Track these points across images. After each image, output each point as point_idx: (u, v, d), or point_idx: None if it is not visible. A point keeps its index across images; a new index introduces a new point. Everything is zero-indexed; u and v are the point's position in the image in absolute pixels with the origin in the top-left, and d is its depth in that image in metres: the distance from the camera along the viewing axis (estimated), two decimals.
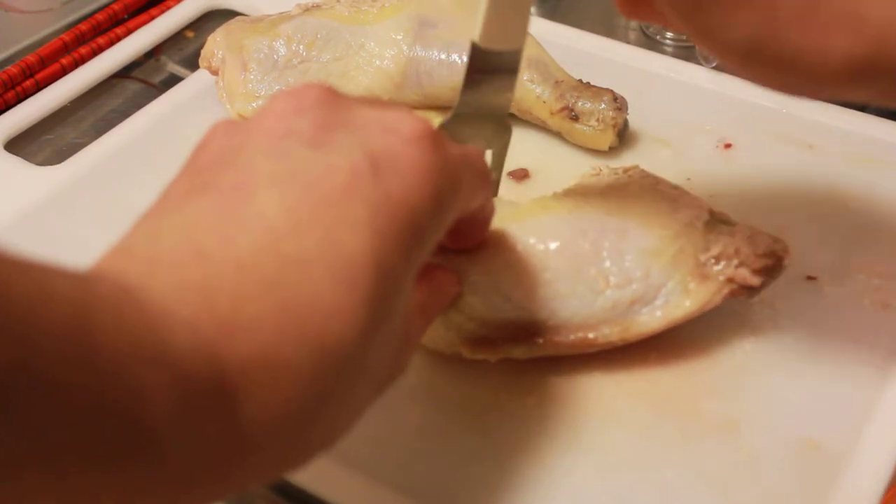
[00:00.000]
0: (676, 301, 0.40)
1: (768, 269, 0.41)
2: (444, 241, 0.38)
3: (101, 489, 0.23)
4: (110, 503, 0.24)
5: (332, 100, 0.31)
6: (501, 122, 0.44)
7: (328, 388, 0.27)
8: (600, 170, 0.45)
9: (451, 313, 0.40)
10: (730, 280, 0.40)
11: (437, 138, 0.32)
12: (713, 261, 0.41)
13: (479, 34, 0.40)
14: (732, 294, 0.41)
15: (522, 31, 0.41)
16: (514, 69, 0.42)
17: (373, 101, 0.33)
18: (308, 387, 0.27)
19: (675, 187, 0.44)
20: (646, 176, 0.45)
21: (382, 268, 0.28)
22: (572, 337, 0.40)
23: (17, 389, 0.21)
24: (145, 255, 0.27)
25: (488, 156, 0.44)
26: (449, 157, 0.32)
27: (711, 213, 0.43)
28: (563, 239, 0.41)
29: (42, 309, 0.22)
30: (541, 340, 0.40)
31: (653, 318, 0.40)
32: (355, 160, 0.29)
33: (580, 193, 0.43)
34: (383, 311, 0.29)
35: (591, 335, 0.40)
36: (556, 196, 0.43)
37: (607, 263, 0.40)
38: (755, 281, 0.41)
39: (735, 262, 0.40)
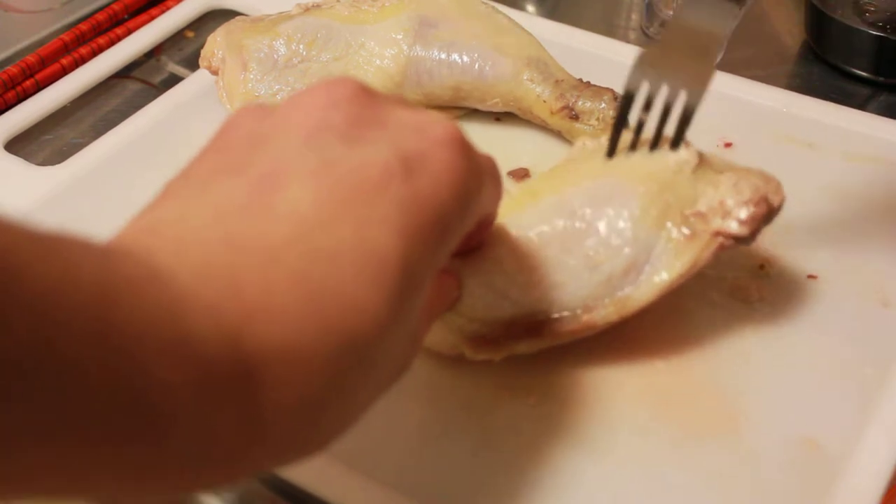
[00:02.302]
0: (667, 262, 0.39)
1: (756, 217, 0.39)
2: None
3: (108, 467, 0.23)
4: (118, 482, 0.24)
5: (365, 96, 0.32)
6: (706, 62, 0.39)
7: (344, 380, 0.27)
8: (584, 143, 0.45)
9: (450, 316, 0.40)
10: (717, 233, 0.39)
11: (466, 142, 0.32)
12: (699, 215, 0.39)
13: None
14: (723, 248, 0.39)
15: None
16: (733, 13, 0.38)
17: (402, 101, 0.33)
18: (325, 378, 0.27)
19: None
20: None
21: (408, 267, 0.28)
22: (573, 323, 0.40)
23: (38, 367, 0.21)
24: (172, 235, 0.27)
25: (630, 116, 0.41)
26: (476, 162, 0.32)
27: (702, 158, 0.41)
28: (551, 224, 0.40)
29: (67, 287, 0.22)
30: (543, 332, 0.40)
31: (648, 287, 0.40)
32: (387, 158, 0.29)
33: (564, 170, 0.43)
34: (404, 310, 0.29)
35: (590, 317, 0.40)
36: (540, 179, 0.43)
37: (597, 237, 0.40)
38: (743, 231, 0.39)
39: (720, 213, 0.39)
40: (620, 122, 0.41)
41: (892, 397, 0.40)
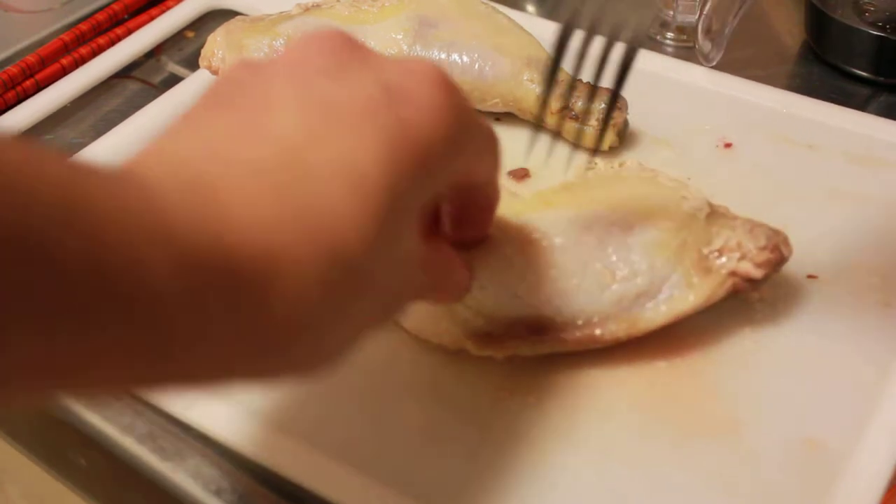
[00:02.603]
0: (681, 295, 0.41)
1: (770, 262, 0.41)
2: (452, 233, 0.39)
3: (96, 357, 0.23)
4: (107, 376, 0.24)
5: (352, 43, 0.33)
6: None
7: (335, 294, 0.28)
8: (595, 163, 0.45)
9: (457, 308, 0.40)
10: (733, 273, 0.41)
11: (452, 84, 0.33)
12: (716, 254, 0.41)
13: None
14: (735, 287, 0.41)
15: None
16: None
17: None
18: (316, 288, 0.27)
19: (673, 180, 0.44)
20: (643, 169, 0.45)
21: (393, 190, 0.29)
22: (578, 333, 0.40)
23: (10, 248, 0.21)
24: (160, 160, 0.28)
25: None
26: (463, 105, 0.33)
27: (711, 206, 0.43)
28: (568, 235, 0.41)
29: (39, 174, 0.22)
30: (547, 337, 0.40)
31: (658, 313, 0.41)
32: (373, 91, 0.30)
33: (581, 188, 0.44)
34: (391, 231, 0.29)
35: (597, 332, 0.40)
36: (555, 191, 0.44)
37: (613, 258, 0.40)
38: (758, 274, 0.41)
39: (737, 255, 0.41)
40: (553, 69, 0.40)
41: (892, 397, 0.40)
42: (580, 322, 0.40)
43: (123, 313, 0.23)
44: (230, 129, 0.29)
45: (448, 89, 0.32)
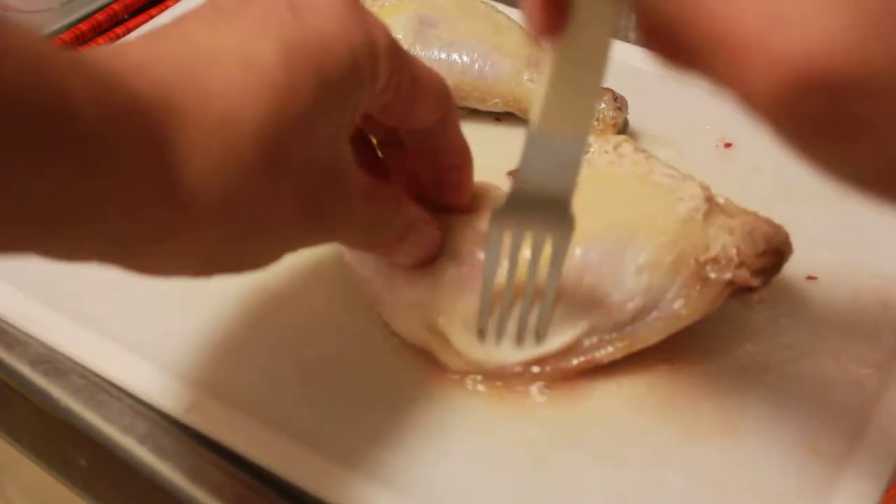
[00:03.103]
0: (677, 310, 0.40)
1: (768, 268, 0.41)
2: (432, 196, 0.41)
3: (37, 193, 0.25)
4: (48, 212, 0.26)
5: None
6: (563, 213, 0.37)
7: (240, 161, 0.29)
8: (589, 146, 0.45)
9: (467, 357, 0.40)
10: (730, 283, 0.40)
11: (363, 8, 0.34)
12: (713, 264, 0.40)
13: (537, 119, 0.35)
14: (733, 295, 0.41)
15: (586, 118, 0.35)
16: (574, 160, 0.36)
17: None
18: (219, 151, 0.29)
19: (670, 173, 0.43)
20: (637, 161, 0.44)
21: (291, 83, 0.30)
22: (576, 361, 0.41)
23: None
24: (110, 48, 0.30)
25: (544, 252, 0.39)
26: (368, 21, 0.34)
27: (709, 201, 0.42)
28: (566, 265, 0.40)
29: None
30: (547, 368, 0.41)
31: (654, 330, 0.40)
32: (275, 1, 0.32)
33: (577, 193, 0.43)
34: (292, 122, 0.30)
35: (596, 355, 0.40)
36: None
37: (609, 281, 0.40)
38: (755, 282, 0.40)
39: (735, 262, 0.40)
40: (488, 293, 0.39)
41: (892, 398, 0.40)
42: (578, 350, 0.40)
43: (55, 145, 0.25)
44: (171, 28, 0.31)
45: (351, 3, 0.33)
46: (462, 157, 0.40)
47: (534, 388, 0.41)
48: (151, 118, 0.28)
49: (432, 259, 0.41)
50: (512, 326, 0.40)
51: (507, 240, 0.38)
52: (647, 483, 0.38)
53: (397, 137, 0.40)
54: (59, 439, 0.43)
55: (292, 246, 0.34)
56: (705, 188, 0.43)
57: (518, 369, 0.40)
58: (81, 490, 0.45)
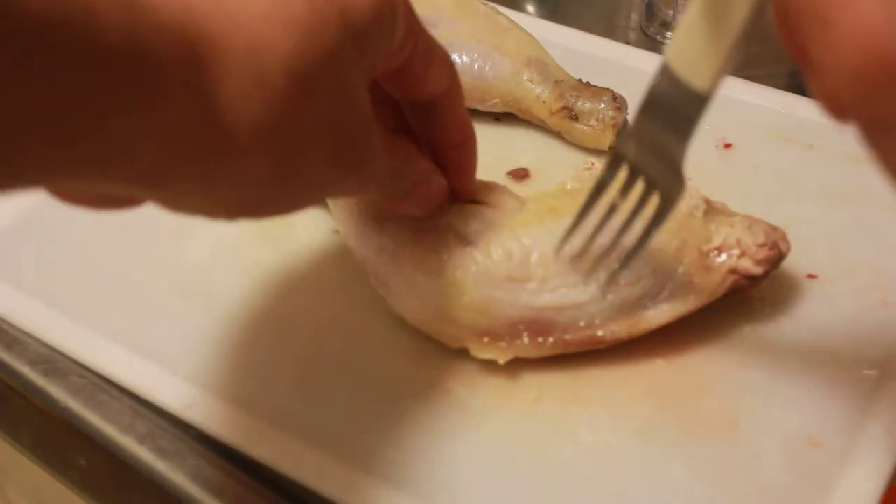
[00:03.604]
0: (682, 294, 0.41)
1: (770, 259, 0.41)
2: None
3: (71, 96, 0.24)
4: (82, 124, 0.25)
5: None
6: (675, 171, 0.36)
7: (275, 94, 0.29)
8: (592, 164, 0.45)
9: (459, 309, 0.40)
10: (733, 271, 0.41)
11: None
12: (715, 252, 0.41)
13: (670, 48, 0.34)
14: (735, 284, 0.41)
15: (713, 72, 0.34)
16: (691, 116, 0.34)
17: None
18: (252, 80, 0.29)
19: None
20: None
21: (315, 21, 0.30)
22: (581, 335, 0.41)
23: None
24: None
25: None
26: None
27: (708, 203, 0.43)
28: (572, 242, 0.40)
29: None
30: (550, 339, 0.41)
31: (660, 312, 0.41)
32: None
33: (583, 193, 0.43)
34: (317, 60, 0.30)
35: (599, 332, 0.41)
36: (557, 196, 0.44)
37: (615, 264, 0.40)
38: (758, 270, 0.41)
39: (737, 252, 0.41)
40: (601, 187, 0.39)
41: (892, 397, 0.40)
42: (582, 323, 0.41)
43: (78, 61, 0.24)
44: None
45: None
46: (466, 133, 0.41)
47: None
48: (184, 41, 0.27)
49: (438, 222, 0.41)
50: (587, 262, 0.40)
51: (621, 174, 0.38)
52: (647, 480, 0.38)
53: (402, 123, 0.41)
54: (59, 439, 0.43)
55: (323, 188, 0.35)
56: (702, 194, 0.43)
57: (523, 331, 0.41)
58: (81, 490, 0.45)
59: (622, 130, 0.37)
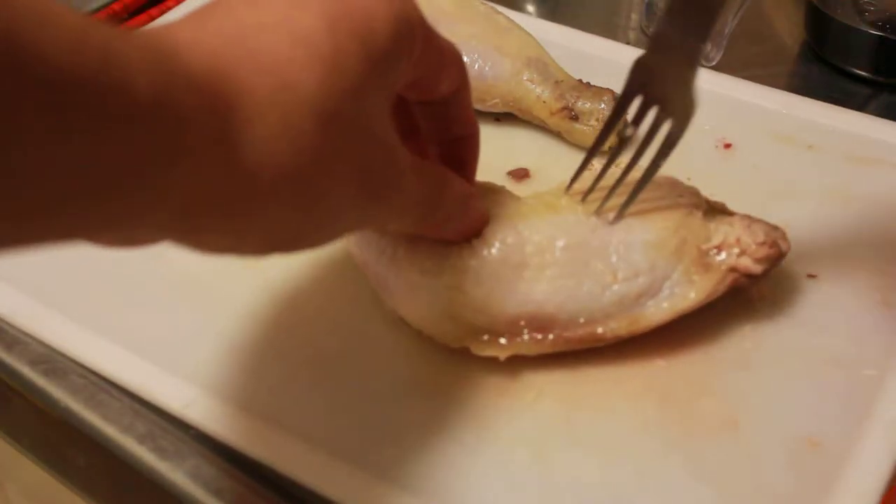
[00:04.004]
0: (682, 292, 0.41)
1: (769, 257, 0.41)
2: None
3: (100, 156, 0.24)
4: (113, 172, 0.25)
5: None
6: (686, 94, 0.38)
7: (299, 134, 0.29)
8: (592, 164, 0.45)
9: (459, 308, 0.40)
10: (732, 269, 0.41)
11: None
12: (715, 250, 0.41)
13: None
14: (735, 283, 0.41)
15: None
16: (713, 8, 0.37)
17: None
18: (277, 123, 0.29)
19: (668, 178, 0.45)
20: (638, 170, 0.45)
21: (338, 56, 0.30)
22: (581, 332, 0.41)
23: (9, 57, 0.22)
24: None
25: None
26: (410, 7, 0.34)
27: (708, 203, 0.43)
28: (571, 236, 0.41)
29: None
30: (550, 336, 0.41)
31: (659, 310, 0.41)
32: None
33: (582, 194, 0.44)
34: (341, 94, 0.30)
35: (599, 329, 0.41)
36: (557, 195, 0.44)
37: (614, 258, 0.41)
38: (757, 269, 0.41)
39: (736, 250, 0.41)
40: (613, 120, 0.42)
41: (892, 397, 0.40)
42: (582, 320, 0.41)
43: (115, 115, 0.24)
44: (213, 7, 0.31)
45: None
46: (472, 126, 0.41)
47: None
48: (209, 87, 0.27)
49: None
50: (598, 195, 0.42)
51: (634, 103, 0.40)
52: (646, 480, 0.38)
53: (411, 123, 0.40)
54: (59, 439, 0.43)
55: (352, 222, 0.34)
56: (702, 194, 0.44)
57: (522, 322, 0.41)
58: (81, 490, 0.45)
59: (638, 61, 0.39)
